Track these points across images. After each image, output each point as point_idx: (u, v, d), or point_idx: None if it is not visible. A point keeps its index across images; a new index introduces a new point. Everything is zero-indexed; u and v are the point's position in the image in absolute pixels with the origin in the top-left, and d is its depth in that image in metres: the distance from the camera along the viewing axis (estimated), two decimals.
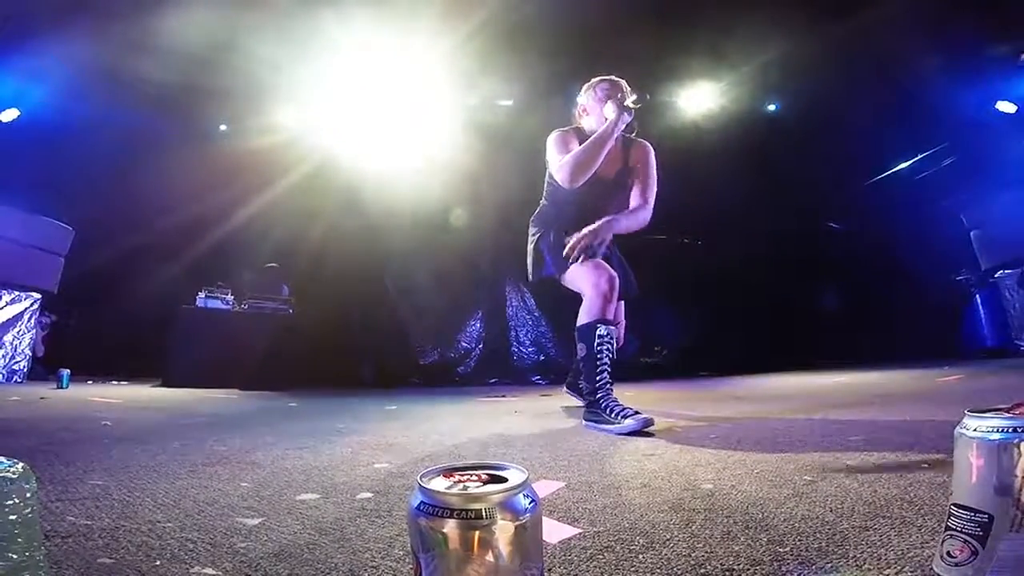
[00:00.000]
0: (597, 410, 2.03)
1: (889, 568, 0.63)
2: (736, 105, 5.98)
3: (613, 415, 1.95)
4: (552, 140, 2.33)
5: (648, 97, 2.26)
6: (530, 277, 2.48)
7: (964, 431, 0.60)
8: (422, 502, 0.44)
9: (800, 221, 6.24)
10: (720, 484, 1.11)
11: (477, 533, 0.41)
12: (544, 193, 2.48)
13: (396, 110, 5.71)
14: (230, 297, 4.90)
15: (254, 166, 5.65)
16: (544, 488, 1.18)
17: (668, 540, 0.79)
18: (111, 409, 2.90)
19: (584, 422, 2.11)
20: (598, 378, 2.06)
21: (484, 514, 0.42)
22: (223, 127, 6.11)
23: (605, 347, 2.06)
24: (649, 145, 2.42)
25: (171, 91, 5.15)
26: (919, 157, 5.89)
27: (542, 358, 6.05)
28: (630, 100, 2.22)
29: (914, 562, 0.64)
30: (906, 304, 5.77)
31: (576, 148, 2.21)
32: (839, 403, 2.60)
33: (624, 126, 2.20)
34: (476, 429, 2.20)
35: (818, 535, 0.76)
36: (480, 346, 6.12)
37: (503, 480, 0.46)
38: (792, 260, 6.10)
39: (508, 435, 2.00)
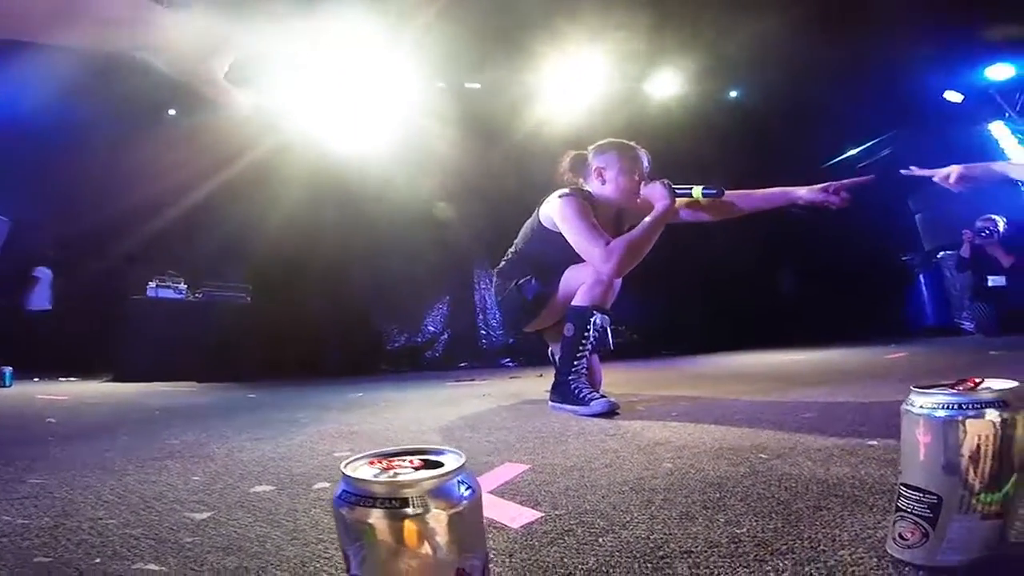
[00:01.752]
0: (565, 391, 2.03)
1: (844, 549, 0.64)
2: (700, 90, 6.05)
3: (581, 396, 1.96)
4: (569, 207, 2.06)
5: (723, 193, 2.14)
6: (508, 329, 2.44)
7: (910, 408, 0.58)
8: (344, 491, 0.41)
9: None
10: (680, 463, 1.13)
11: (406, 523, 0.39)
12: (521, 244, 2.32)
13: (359, 92, 5.52)
14: (183, 286, 4.69)
15: (206, 150, 5.39)
16: (509, 471, 1.17)
17: (628, 522, 0.79)
18: (58, 406, 2.77)
19: (550, 403, 2.12)
20: (576, 363, 2.05)
21: (413, 502, 0.39)
22: (171, 111, 5.80)
23: (592, 335, 2.04)
24: None
25: (114, 74, 4.82)
26: (870, 143, 6.11)
27: (511, 341, 6.05)
28: (699, 191, 2.12)
29: (868, 543, 0.65)
30: (857, 285, 6.03)
31: (593, 220, 2.04)
32: (794, 381, 2.70)
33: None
34: (442, 414, 2.19)
35: (774, 515, 0.77)
36: (448, 330, 6.07)
37: (438, 465, 0.43)
38: (752, 242, 6.26)
39: (475, 419, 1.99)
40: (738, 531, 0.72)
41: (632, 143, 2.24)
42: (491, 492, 1.03)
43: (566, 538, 0.75)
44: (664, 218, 2.05)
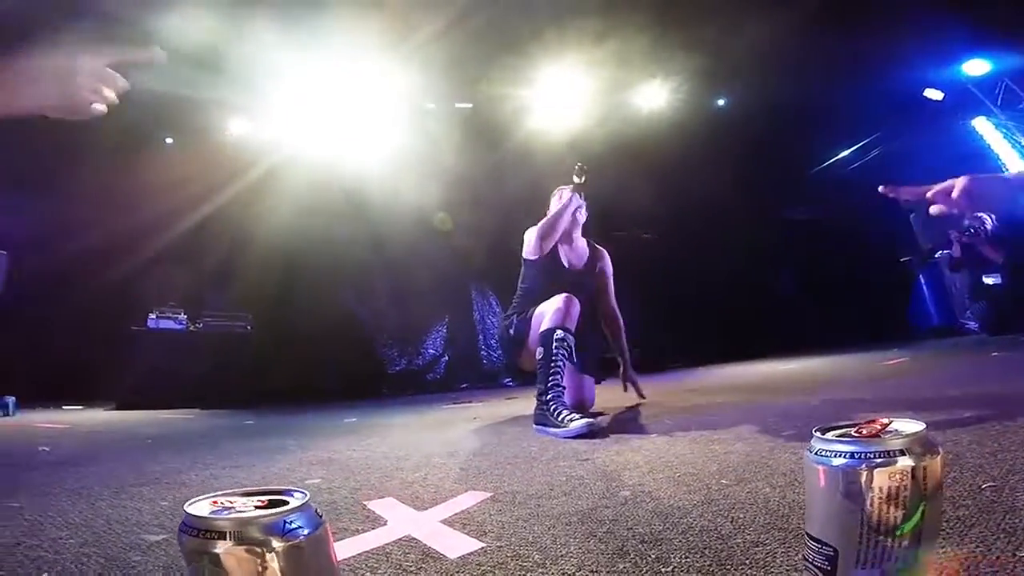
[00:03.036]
0: (545, 414, 2.05)
1: None
2: (687, 101, 6.07)
3: (560, 419, 1.96)
4: (530, 231, 2.56)
5: (583, 166, 2.49)
6: (507, 364, 2.67)
7: (809, 453, 0.54)
8: (185, 524, 0.44)
9: (751, 212, 6.38)
10: (638, 490, 1.12)
11: (245, 556, 0.42)
12: (519, 282, 2.63)
13: (353, 115, 5.62)
14: (183, 316, 4.75)
15: (202, 178, 5.49)
16: (469, 499, 1.18)
17: (562, 556, 0.79)
18: (55, 435, 2.82)
19: (534, 426, 2.12)
20: (550, 380, 2.10)
21: (246, 537, 0.42)
22: (168, 140, 5.91)
23: (561, 352, 2.12)
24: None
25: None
26: (858, 145, 6.09)
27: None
28: (575, 179, 2.48)
29: None
30: (856, 288, 5.97)
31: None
32: (786, 392, 2.67)
33: (579, 203, 2.49)
34: (426, 440, 2.19)
35: (707, 551, 0.77)
36: (448, 352, 6.08)
37: (281, 504, 0.47)
38: (746, 250, 6.24)
39: (456, 443, 1.99)
40: (664, 569, 0.72)
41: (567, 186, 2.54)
42: (442, 521, 1.03)
43: (497, 571, 0.76)
44: (567, 207, 2.44)
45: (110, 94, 0.89)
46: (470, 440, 2.08)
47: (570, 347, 2.16)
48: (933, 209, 1.38)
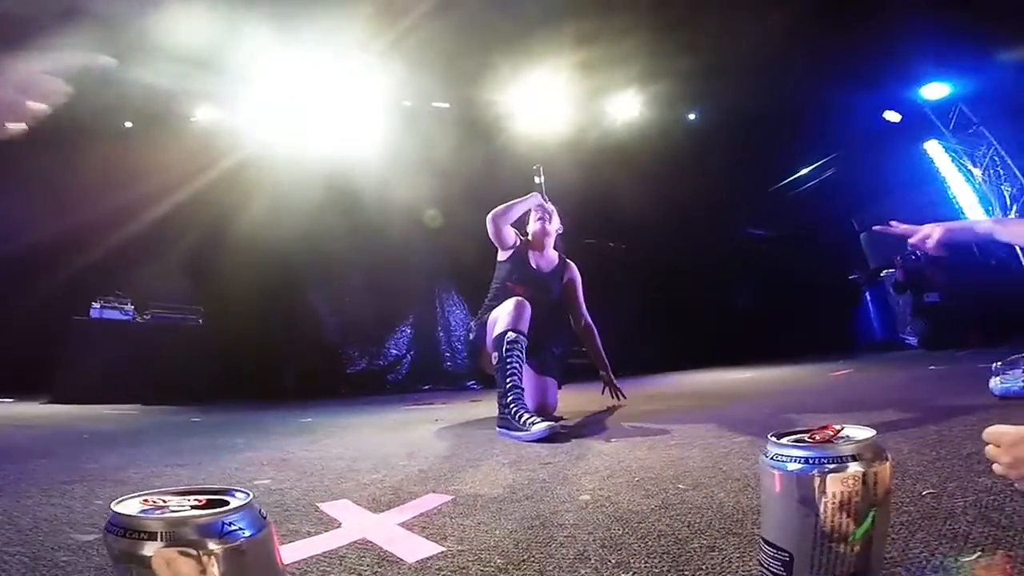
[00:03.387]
0: (507, 417, 2.04)
1: None
2: (658, 114, 6.21)
3: (521, 422, 1.96)
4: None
5: (538, 168, 2.68)
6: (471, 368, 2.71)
7: (764, 458, 0.55)
8: (111, 524, 0.41)
9: (713, 226, 6.58)
10: (598, 495, 1.13)
11: (178, 558, 0.39)
12: (492, 284, 2.68)
13: (322, 110, 5.48)
14: (130, 307, 4.51)
15: (163, 166, 5.24)
16: (429, 502, 1.16)
17: (523, 561, 0.79)
18: None
19: (497, 429, 2.11)
20: (507, 382, 2.11)
21: (179, 537, 0.39)
22: (128, 124, 5.62)
23: (514, 354, 2.14)
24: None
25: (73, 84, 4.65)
26: (815, 165, 6.37)
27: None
28: (535, 179, 2.66)
29: None
30: (807, 303, 6.23)
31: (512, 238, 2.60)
32: (740, 400, 2.75)
33: (539, 202, 2.60)
34: (385, 440, 2.15)
35: (665, 556, 0.77)
36: (411, 353, 5.98)
37: (222, 504, 0.44)
38: (707, 262, 6.42)
39: (417, 445, 1.96)
40: (624, 574, 0.72)
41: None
42: (401, 524, 1.01)
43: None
44: (525, 200, 2.56)
45: (37, 108, 0.79)
46: (431, 442, 2.05)
47: (523, 348, 2.18)
48: (929, 237, 1.57)
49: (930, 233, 1.56)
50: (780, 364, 5.03)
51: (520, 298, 2.27)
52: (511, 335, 2.15)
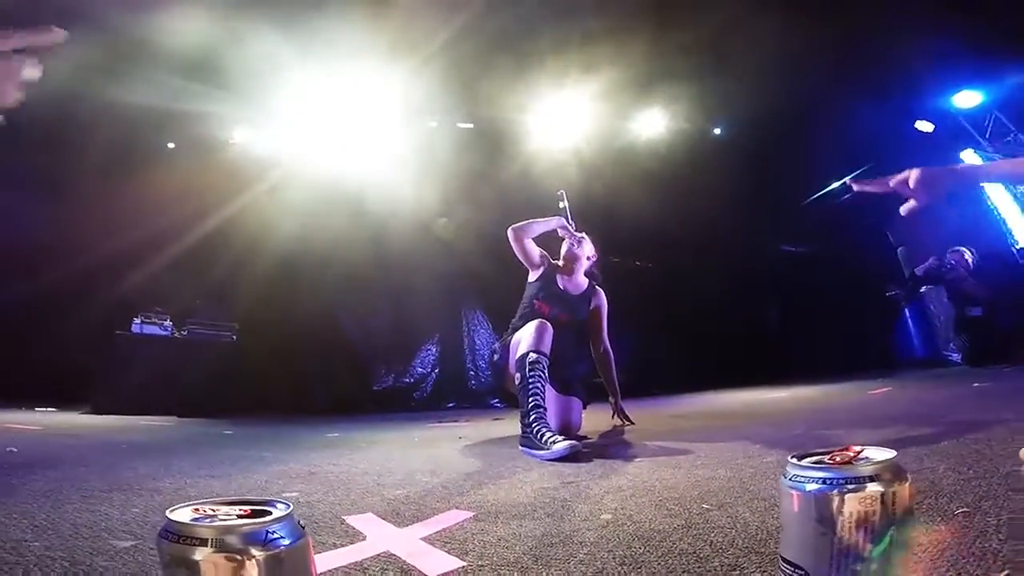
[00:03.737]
0: (529, 436, 2.05)
1: None
2: (683, 130, 6.19)
3: (543, 440, 1.96)
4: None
5: (561, 193, 2.74)
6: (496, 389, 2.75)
7: (784, 478, 0.56)
8: (165, 530, 0.44)
9: (743, 242, 6.47)
10: (620, 514, 1.12)
11: (224, 564, 0.42)
12: (521, 305, 2.73)
13: (352, 132, 5.66)
14: (168, 323, 4.69)
15: (201, 187, 5.48)
16: (452, 518, 1.17)
17: None
18: (26, 436, 2.74)
19: (520, 447, 2.12)
20: (530, 402, 2.11)
21: (227, 544, 0.42)
22: (171, 145, 5.91)
23: (536, 374, 2.15)
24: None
25: (114, 108, 4.94)
26: (847, 178, 6.22)
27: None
28: (559, 205, 2.72)
29: None
30: (844, 320, 6.04)
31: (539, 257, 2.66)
32: (770, 420, 2.68)
33: (562, 223, 2.63)
34: (410, 457, 2.17)
35: (685, 574, 0.77)
36: (436, 371, 6.03)
37: (265, 514, 0.47)
38: (738, 280, 6.30)
39: (441, 462, 1.97)
40: None
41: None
42: (424, 539, 1.02)
43: None
44: (549, 221, 2.62)
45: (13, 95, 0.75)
46: (454, 459, 2.06)
47: (544, 368, 2.20)
48: (903, 209, 1.48)
49: (907, 176, 1.44)
50: (816, 383, 4.88)
51: (543, 320, 2.30)
52: (532, 355, 2.18)
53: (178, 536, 0.43)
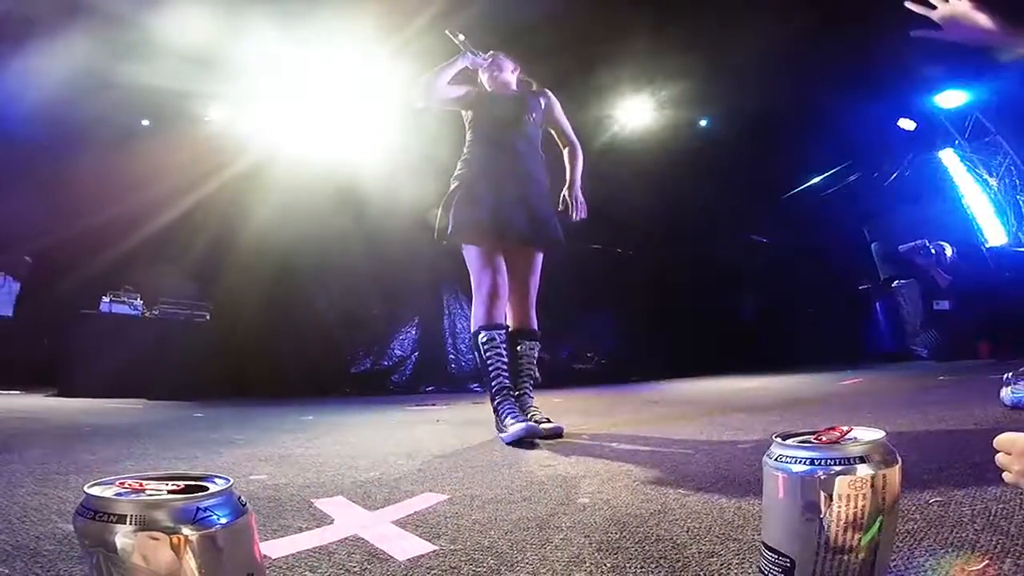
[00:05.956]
0: (496, 418, 2.01)
1: None
2: (669, 120, 6.18)
3: (504, 422, 1.92)
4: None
5: (452, 30, 2.28)
6: (435, 235, 2.33)
7: (768, 459, 0.52)
8: (81, 507, 0.39)
9: (723, 233, 6.53)
10: (596, 498, 1.11)
11: (149, 544, 0.37)
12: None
13: (339, 111, 5.50)
14: (139, 302, 4.53)
15: (176, 165, 5.28)
16: (425, 501, 1.15)
17: (517, 563, 0.77)
18: None
19: (495, 430, 2.09)
20: (493, 384, 2.03)
21: (151, 522, 0.37)
22: (145, 122, 5.67)
23: (493, 353, 2.03)
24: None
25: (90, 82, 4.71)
26: (828, 173, 6.31)
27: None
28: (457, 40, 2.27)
29: None
30: (816, 312, 6.16)
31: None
32: (745, 408, 2.71)
33: (470, 59, 2.23)
34: (385, 439, 2.13)
35: (663, 561, 0.75)
36: (415, 354, 5.98)
37: (200, 490, 0.42)
38: (715, 269, 6.37)
39: (416, 445, 1.94)
40: None
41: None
42: (395, 522, 0.99)
43: (447, 575, 0.72)
44: (452, 65, 2.21)
45: None
46: (431, 442, 2.03)
47: (501, 342, 2.01)
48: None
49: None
50: (788, 373, 4.97)
51: (490, 283, 2.05)
52: (483, 336, 2.00)
53: (94, 513, 0.37)
